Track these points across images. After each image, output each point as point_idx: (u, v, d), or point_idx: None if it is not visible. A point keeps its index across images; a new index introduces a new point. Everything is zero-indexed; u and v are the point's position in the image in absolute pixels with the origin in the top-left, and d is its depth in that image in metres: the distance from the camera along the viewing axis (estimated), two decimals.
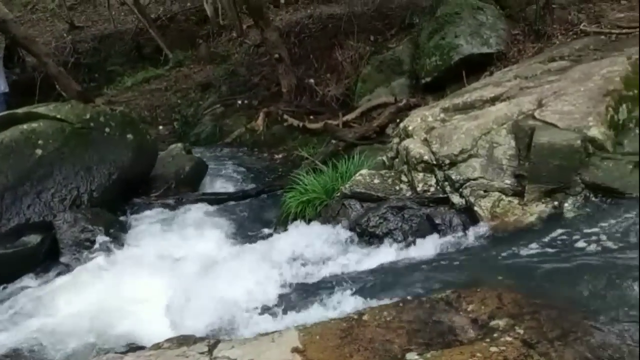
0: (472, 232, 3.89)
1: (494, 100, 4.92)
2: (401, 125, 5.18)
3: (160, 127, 10.01)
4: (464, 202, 4.14)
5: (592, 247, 3.23)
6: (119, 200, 5.86)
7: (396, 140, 5.15)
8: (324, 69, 9.16)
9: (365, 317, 2.82)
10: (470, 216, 4.05)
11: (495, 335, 2.52)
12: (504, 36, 7.24)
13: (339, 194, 4.77)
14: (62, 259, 4.90)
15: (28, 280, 4.70)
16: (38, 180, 5.32)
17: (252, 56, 10.94)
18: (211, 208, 5.82)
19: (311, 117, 8.57)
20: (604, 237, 3.29)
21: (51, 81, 9.53)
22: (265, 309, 3.49)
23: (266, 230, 5.21)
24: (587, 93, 4.27)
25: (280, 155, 7.93)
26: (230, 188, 6.61)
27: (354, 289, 3.42)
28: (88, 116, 5.89)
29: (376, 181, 4.68)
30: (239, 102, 9.51)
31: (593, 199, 3.75)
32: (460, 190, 4.18)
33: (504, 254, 3.45)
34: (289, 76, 8.87)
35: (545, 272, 3.11)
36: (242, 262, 4.24)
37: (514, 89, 5.04)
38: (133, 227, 5.49)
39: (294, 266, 4.10)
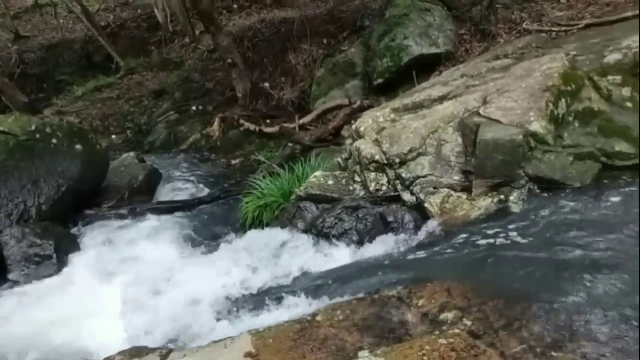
0: (423, 228, 3.98)
1: (441, 99, 5.05)
2: (353, 126, 5.25)
3: (113, 136, 9.79)
4: (414, 200, 4.23)
5: (536, 238, 3.34)
6: (70, 212, 5.70)
7: (349, 141, 5.21)
8: (278, 72, 9.18)
9: (318, 318, 2.83)
10: (421, 213, 4.15)
11: (444, 328, 2.58)
12: (452, 36, 7.44)
13: (294, 196, 4.78)
14: (10, 276, 4.72)
15: None
16: None
17: (206, 62, 10.86)
18: (166, 217, 5.74)
19: (267, 120, 8.59)
20: (547, 228, 3.41)
21: None
22: (221, 315, 3.47)
23: (223, 237, 5.17)
24: (528, 89, 4.43)
25: (237, 160, 7.89)
26: (185, 195, 6.53)
27: (309, 291, 3.43)
28: (33, 127, 5.71)
29: (330, 182, 4.72)
30: (194, 108, 9.42)
31: (536, 191, 3.90)
32: (411, 187, 4.27)
33: (453, 248, 3.53)
34: (244, 81, 8.85)
35: (492, 264, 3.20)
36: (198, 269, 4.20)
37: (460, 87, 5.18)
38: (85, 240, 5.35)
39: (251, 271, 4.08)
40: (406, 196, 4.30)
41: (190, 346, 3.12)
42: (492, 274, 3.09)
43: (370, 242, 4.12)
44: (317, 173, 4.84)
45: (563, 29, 6.35)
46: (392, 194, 4.42)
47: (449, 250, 3.54)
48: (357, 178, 4.71)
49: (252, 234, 4.73)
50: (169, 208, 5.96)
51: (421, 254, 3.67)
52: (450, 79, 5.68)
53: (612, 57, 4.62)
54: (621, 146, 4.07)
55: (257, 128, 8.17)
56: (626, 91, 4.45)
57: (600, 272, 2.76)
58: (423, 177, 4.26)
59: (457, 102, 4.75)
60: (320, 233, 4.37)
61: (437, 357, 2.33)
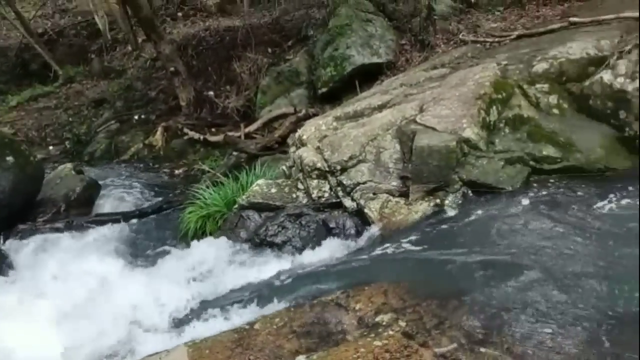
0: (363, 234, 4.06)
1: (381, 108, 5.17)
2: (296, 134, 5.29)
3: (51, 148, 9.40)
4: (355, 206, 4.29)
5: (469, 240, 3.47)
6: (1, 227, 5.42)
7: (293, 149, 5.24)
8: (223, 81, 9.11)
9: (256, 326, 2.83)
10: (362, 218, 4.22)
11: (379, 330, 2.64)
12: (393, 46, 7.61)
13: (237, 206, 4.75)
14: None
15: None
16: None
17: (149, 70, 10.62)
18: (105, 229, 5.56)
19: (212, 129, 8.48)
20: (479, 231, 3.56)
21: None
22: (159, 329, 3.40)
23: (164, 249, 5.05)
24: (462, 97, 4.61)
25: (180, 170, 7.75)
26: (126, 207, 6.33)
27: (249, 300, 3.42)
28: None
29: (273, 190, 4.73)
30: (136, 117, 9.19)
31: (470, 194, 4.06)
32: (352, 194, 4.34)
33: (391, 252, 3.61)
34: (187, 89, 8.73)
35: (427, 266, 3.31)
36: (135, 283, 4.09)
37: (399, 96, 5.33)
38: (17, 255, 5.11)
39: (192, 282, 4.03)
40: (347, 202, 4.37)
41: None
42: (427, 275, 3.19)
43: (313, 248, 4.15)
44: (260, 181, 4.83)
45: (496, 39, 6.63)
46: (334, 200, 4.48)
47: (387, 254, 3.62)
48: (300, 186, 4.73)
49: (194, 245, 4.66)
50: (109, 220, 5.77)
51: (361, 258, 3.73)
52: (390, 88, 5.82)
53: (540, 67, 4.87)
54: (549, 150, 4.30)
55: (201, 137, 8.06)
56: (553, 99, 4.70)
57: (526, 272, 2.90)
58: (363, 183, 4.34)
59: (395, 110, 4.88)
60: (263, 242, 4.37)
61: (372, 359, 2.37)
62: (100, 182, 6.68)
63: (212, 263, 4.19)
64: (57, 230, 5.50)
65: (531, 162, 4.25)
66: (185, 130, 8.37)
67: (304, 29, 8.88)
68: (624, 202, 3.60)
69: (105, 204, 6.42)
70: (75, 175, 6.42)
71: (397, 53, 7.57)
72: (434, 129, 4.31)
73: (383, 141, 4.51)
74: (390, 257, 3.55)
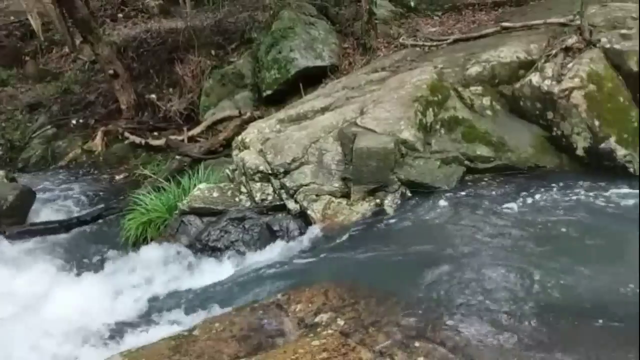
0: (306, 235, 4.08)
1: (323, 110, 5.22)
2: (239, 137, 5.25)
3: None
4: (298, 208, 4.32)
5: (406, 238, 3.58)
6: None
7: (235, 152, 5.20)
8: (165, 83, 8.92)
9: (196, 332, 2.80)
10: (305, 220, 4.24)
11: (318, 330, 2.67)
12: (336, 50, 7.69)
13: (178, 211, 4.67)
14: None
15: None
16: None
17: (88, 73, 10.26)
18: (40, 239, 5.34)
19: (155, 133, 8.28)
20: (416, 228, 3.67)
21: None
22: (95, 339, 3.30)
23: (103, 257, 4.89)
24: (400, 100, 4.73)
25: (121, 176, 7.52)
26: (64, 215, 6.09)
27: (190, 306, 3.38)
28: None
29: (215, 194, 4.68)
30: (74, 121, 8.84)
31: (409, 194, 4.18)
32: (295, 196, 4.36)
33: (333, 252, 3.67)
34: (128, 92, 8.49)
35: (367, 264, 3.38)
36: (71, 293, 3.94)
37: (341, 99, 5.40)
38: None
39: (132, 290, 3.93)
40: (291, 205, 4.38)
41: None
42: (366, 274, 3.26)
43: (256, 252, 4.14)
44: (202, 186, 4.77)
45: (435, 43, 6.84)
46: (278, 203, 4.48)
47: (329, 254, 3.67)
48: (243, 189, 4.71)
49: (134, 252, 4.56)
50: (44, 230, 5.55)
51: (304, 259, 3.76)
52: (333, 91, 5.89)
53: (473, 70, 5.07)
54: (482, 150, 4.49)
55: (143, 141, 7.86)
56: (486, 100, 4.91)
57: (459, 267, 3.02)
58: (306, 185, 4.37)
59: (337, 113, 4.95)
60: (205, 247, 4.31)
61: (310, 359, 2.40)
62: (36, 190, 6.40)
63: (153, 270, 4.11)
64: None
65: (466, 162, 4.43)
66: (126, 134, 8.13)
67: (247, 31, 8.83)
68: (551, 197, 3.82)
69: (41, 213, 6.15)
70: (7, 183, 6.14)
71: (341, 56, 7.66)
72: (373, 131, 4.40)
73: (325, 143, 4.56)
74: (332, 257, 3.60)
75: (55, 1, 10.46)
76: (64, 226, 5.62)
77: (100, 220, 5.85)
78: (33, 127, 9.04)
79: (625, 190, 3.80)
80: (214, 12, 10.39)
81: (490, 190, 4.09)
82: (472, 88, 4.97)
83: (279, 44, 7.55)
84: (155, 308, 3.59)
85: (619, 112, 4.33)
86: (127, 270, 4.22)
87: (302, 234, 4.16)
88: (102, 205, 6.31)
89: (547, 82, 4.59)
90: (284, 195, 4.46)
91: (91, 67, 10.48)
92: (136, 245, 4.86)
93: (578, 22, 5.00)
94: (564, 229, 3.36)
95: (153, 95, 8.64)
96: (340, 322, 2.70)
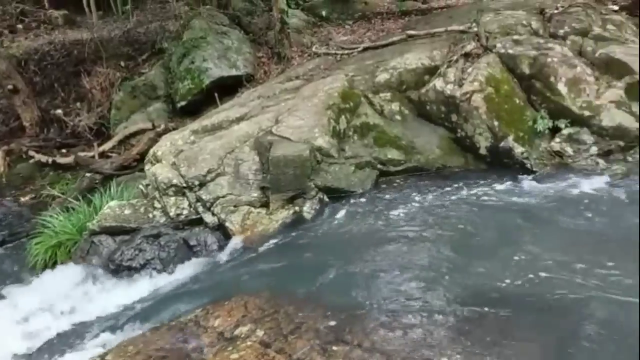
0: (226, 248, 4.03)
1: (239, 120, 5.19)
2: (151, 151, 5.10)
3: None
4: (216, 220, 4.26)
5: (324, 243, 3.63)
6: None
7: (148, 166, 5.04)
8: (72, 98, 8.47)
9: (108, 357, 2.67)
10: (223, 232, 4.19)
11: (237, 342, 2.64)
12: (251, 59, 7.68)
13: (87, 231, 4.45)
14: None
15: None
16: None
17: None
18: None
19: (63, 150, 7.83)
20: (333, 233, 3.74)
21: None
22: None
23: (7, 284, 4.54)
24: (314, 108, 4.81)
25: (27, 198, 7.03)
26: None
27: (102, 330, 3.23)
28: None
29: (127, 212, 4.50)
30: None
31: (326, 199, 4.25)
32: (212, 208, 4.30)
33: (253, 263, 3.65)
34: (31, 108, 7.98)
35: (286, 273, 3.39)
36: None
37: (256, 108, 5.40)
38: None
39: (38, 318, 3.68)
40: (208, 218, 4.31)
41: None
42: (286, 282, 3.27)
43: (174, 268, 4.04)
44: (112, 204, 4.57)
45: (346, 52, 7.02)
46: (194, 217, 4.39)
47: (249, 266, 3.64)
48: (157, 204, 4.57)
49: (43, 277, 4.30)
50: None
51: (223, 273, 3.71)
52: (248, 100, 5.87)
53: (382, 77, 5.25)
54: (393, 154, 4.67)
55: (49, 159, 7.39)
56: (395, 106, 5.10)
57: (375, 269, 3.11)
58: (223, 197, 4.32)
59: (252, 122, 4.94)
60: (120, 267, 4.14)
61: None
62: None
63: (62, 295, 3.88)
64: None
65: (379, 166, 4.58)
66: (31, 152, 7.62)
67: (158, 41, 8.59)
68: (456, 196, 4.04)
69: None
70: None
71: (256, 66, 7.66)
72: (289, 139, 4.44)
73: (241, 153, 4.54)
74: (251, 268, 3.57)
75: None
76: None
77: (4, 246, 5.44)
78: None
79: (524, 185, 4.10)
80: (123, 22, 10.04)
81: (401, 191, 4.26)
82: (381, 94, 5.15)
83: (191, 54, 7.42)
84: (64, 335, 3.39)
85: (515, 113, 4.66)
86: (33, 297, 3.94)
87: (221, 247, 4.11)
88: (5, 231, 5.87)
89: (450, 86, 4.85)
90: (201, 209, 4.38)
91: None
92: (45, 269, 4.57)
93: (475, 29, 5.33)
94: (469, 227, 3.54)
95: (59, 111, 8.17)
96: (260, 332, 2.69)
